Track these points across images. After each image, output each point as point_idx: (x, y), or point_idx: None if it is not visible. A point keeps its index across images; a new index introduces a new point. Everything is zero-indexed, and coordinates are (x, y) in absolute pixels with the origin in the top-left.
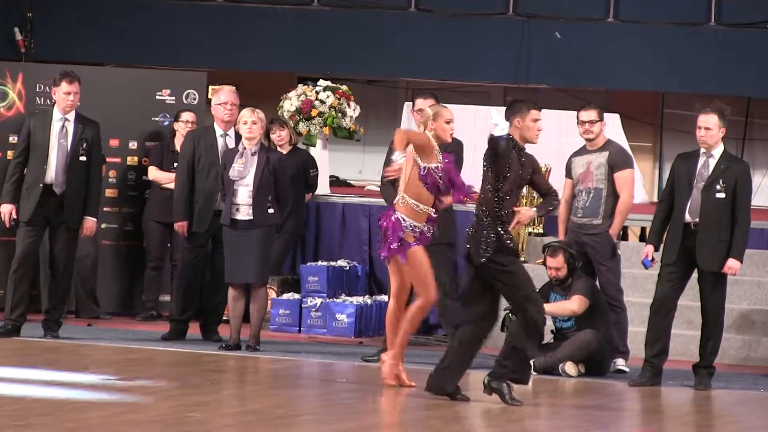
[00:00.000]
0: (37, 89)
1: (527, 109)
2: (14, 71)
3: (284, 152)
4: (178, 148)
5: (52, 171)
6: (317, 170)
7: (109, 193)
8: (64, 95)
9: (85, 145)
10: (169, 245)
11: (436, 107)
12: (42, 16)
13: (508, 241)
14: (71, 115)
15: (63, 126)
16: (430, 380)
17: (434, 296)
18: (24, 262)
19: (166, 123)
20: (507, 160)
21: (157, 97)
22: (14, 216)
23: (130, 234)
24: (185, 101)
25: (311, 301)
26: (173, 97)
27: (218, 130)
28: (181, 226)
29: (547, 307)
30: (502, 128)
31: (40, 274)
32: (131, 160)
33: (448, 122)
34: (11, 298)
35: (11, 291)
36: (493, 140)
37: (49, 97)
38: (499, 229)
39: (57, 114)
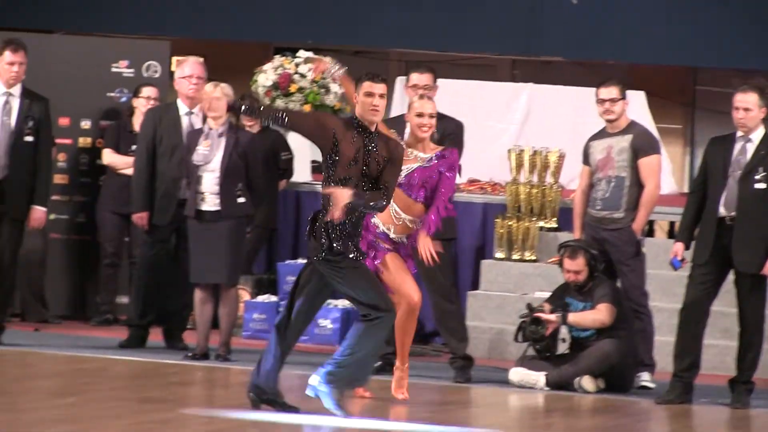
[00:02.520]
0: None
1: (360, 82)
2: None
3: (255, 131)
4: (137, 128)
5: None
6: (291, 153)
7: (58, 179)
8: (6, 66)
9: (31, 124)
10: (126, 239)
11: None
12: None
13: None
14: (16, 90)
15: (6, 102)
16: None
17: (416, 299)
18: None
19: (124, 99)
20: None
21: (113, 69)
22: None
23: (82, 227)
24: (145, 74)
25: None
26: (132, 70)
27: (182, 108)
28: (140, 218)
29: (571, 316)
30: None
31: None
32: (83, 141)
33: (419, 115)
34: None
35: None
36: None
37: None
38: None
39: (0, 88)
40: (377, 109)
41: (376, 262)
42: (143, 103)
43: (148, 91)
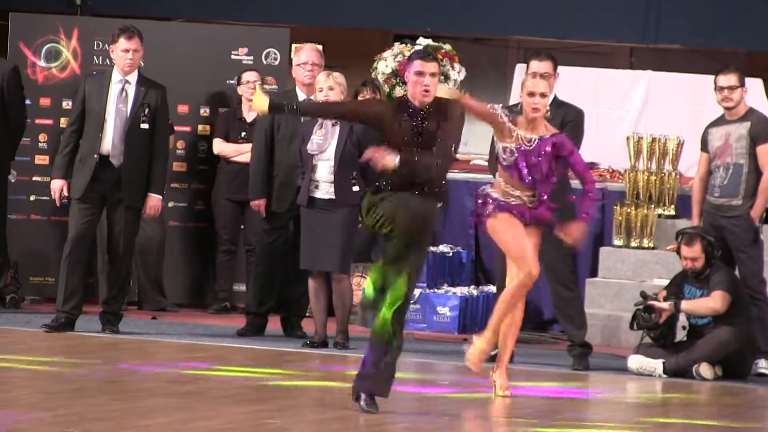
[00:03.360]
0: (95, 47)
1: (410, 60)
2: (68, 27)
3: None
4: (245, 115)
5: (109, 140)
6: None
7: (176, 167)
8: (122, 53)
9: (147, 111)
10: (242, 227)
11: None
12: None
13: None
14: (132, 77)
15: (122, 89)
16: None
17: (535, 273)
18: (77, 246)
19: (237, 85)
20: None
21: (233, 56)
22: (65, 193)
23: (200, 214)
24: (265, 62)
25: None
26: (251, 57)
27: (300, 95)
28: (258, 205)
29: (684, 304)
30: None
31: (97, 259)
32: (202, 129)
33: (530, 95)
34: (64, 288)
35: (64, 279)
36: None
37: (108, 57)
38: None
39: (116, 75)
40: (428, 89)
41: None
42: (245, 89)
43: (249, 76)
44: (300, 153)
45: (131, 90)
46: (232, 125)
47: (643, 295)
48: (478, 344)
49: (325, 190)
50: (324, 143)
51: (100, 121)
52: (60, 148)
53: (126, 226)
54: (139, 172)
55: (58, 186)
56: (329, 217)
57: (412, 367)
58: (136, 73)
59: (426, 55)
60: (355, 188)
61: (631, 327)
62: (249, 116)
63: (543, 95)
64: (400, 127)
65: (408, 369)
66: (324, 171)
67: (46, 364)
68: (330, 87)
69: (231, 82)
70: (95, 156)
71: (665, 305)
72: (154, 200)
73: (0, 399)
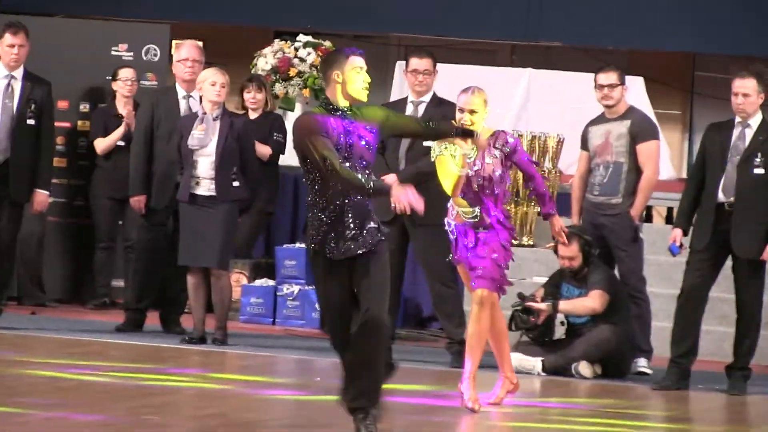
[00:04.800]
0: None
1: (345, 58)
2: None
3: (254, 117)
4: (120, 110)
5: None
6: (285, 135)
7: (56, 162)
8: (7, 48)
9: (33, 107)
10: (120, 222)
11: None
12: None
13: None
14: (18, 73)
15: (8, 84)
16: None
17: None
18: None
19: (111, 81)
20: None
21: (113, 52)
22: None
23: (79, 210)
24: (145, 57)
25: (287, 289)
26: (131, 53)
27: (180, 92)
28: (137, 201)
29: (562, 304)
30: None
31: None
32: (82, 124)
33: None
34: None
35: None
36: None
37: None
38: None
39: (2, 71)
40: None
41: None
42: (120, 85)
43: (125, 73)
44: (179, 148)
45: (17, 85)
46: (109, 122)
47: (521, 296)
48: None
49: (206, 187)
50: (205, 138)
51: None
52: None
53: (10, 221)
54: (25, 167)
55: None
56: (210, 214)
57: (290, 363)
58: (21, 68)
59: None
60: (236, 183)
61: (509, 328)
62: (124, 112)
63: (472, 112)
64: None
65: (287, 366)
66: (205, 167)
67: None
68: (223, 84)
69: (111, 78)
70: None
71: (543, 306)
72: (41, 196)
73: None
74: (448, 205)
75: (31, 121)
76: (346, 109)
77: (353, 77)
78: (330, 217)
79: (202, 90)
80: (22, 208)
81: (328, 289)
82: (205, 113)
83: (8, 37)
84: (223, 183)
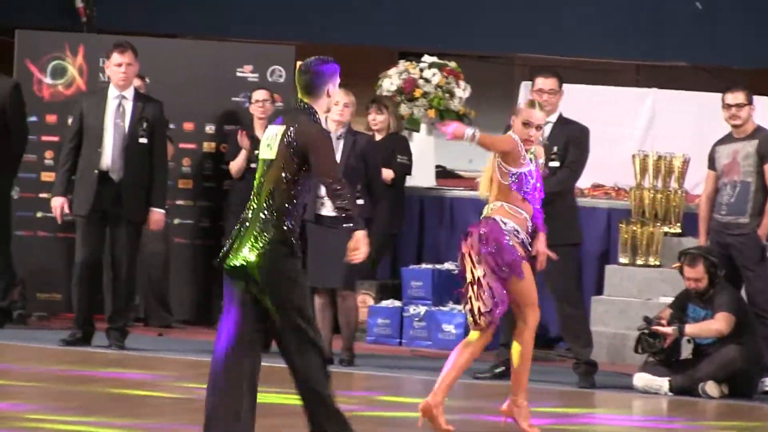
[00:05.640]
0: (101, 64)
1: (338, 72)
2: (74, 43)
3: (379, 138)
4: (257, 132)
5: (108, 155)
6: (409, 156)
7: (182, 184)
8: (115, 68)
9: (145, 125)
10: None
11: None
12: None
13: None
14: (129, 92)
15: (119, 105)
16: None
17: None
18: (86, 270)
19: (248, 104)
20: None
21: (238, 74)
22: (66, 210)
23: (206, 231)
24: (270, 79)
25: (414, 310)
26: (256, 74)
27: None
28: None
29: (688, 328)
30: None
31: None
32: (208, 146)
33: (525, 124)
34: (78, 308)
35: (77, 302)
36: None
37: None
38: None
39: (113, 91)
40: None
41: (519, 276)
42: (253, 107)
43: (258, 95)
44: None
45: (128, 105)
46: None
47: (647, 319)
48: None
49: (330, 207)
50: None
51: (99, 137)
52: (59, 166)
53: (128, 241)
54: (139, 186)
55: (58, 203)
56: (334, 234)
57: (417, 384)
58: (132, 89)
59: None
60: (359, 202)
61: (636, 351)
62: (259, 134)
63: (538, 128)
64: None
65: (413, 386)
66: None
67: (51, 381)
68: (346, 104)
69: (236, 99)
70: (95, 171)
71: (669, 330)
72: (157, 215)
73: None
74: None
75: (143, 140)
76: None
77: (336, 92)
78: (298, 225)
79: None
80: (140, 228)
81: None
82: (329, 132)
83: (116, 57)
84: None
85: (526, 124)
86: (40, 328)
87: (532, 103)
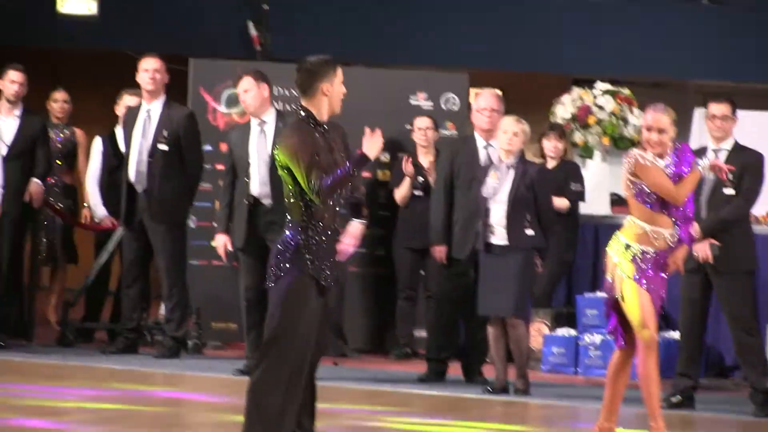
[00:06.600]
0: (275, 93)
1: (334, 69)
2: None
3: (551, 166)
4: (421, 160)
5: (256, 183)
6: (582, 183)
7: None
8: (243, 93)
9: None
10: (422, 272)
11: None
12: (280, 8)
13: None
14: (269, 117)
15: (261, 131)
16: None
17: (650, 337)
18: (254, 305)
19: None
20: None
21: (412, 101)
22: (229, 247)
23: (380, 260)
24: (444, 107)
25: (589, 338)
26: (430, 102)
27: (480, 141)
28: (439, 251)
29: None
30: None
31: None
32: (382, 175)
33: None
34: (247, 338)
35: (246, 332)
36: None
37: (288, 102)
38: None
39: (254, 120)
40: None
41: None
42: (416, 135)
43: (421, 122)
44: (476, 197)
45: (269, 129)
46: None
47: None
48: None
49: (500, 235)
50: (499, 186)
51: (246, 167)
52: (220, 202)
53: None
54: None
55: (221, 242)
56: (505, 263)
57: (593, 413)
58: (273, 112)
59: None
60: (529, 231)
61: None
62: (423, 161)
63: (661, 131)
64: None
65: (589, 415)
66: (498, 215)
67: (226, 411)
68: (515, 133)
69: (410, 127)
70: (246, 202)
71: None
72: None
73: None
74: (649, 229)
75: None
76: (324, 124)
77: (339, 90)
78: (326, 242)
79: (498, 138)
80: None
81: (314, 315)
82: (501, 161)
83: (240, 84)
84: (516, 231)
85: (648, 128)
86: (215, 357)
87: (655, 107)
